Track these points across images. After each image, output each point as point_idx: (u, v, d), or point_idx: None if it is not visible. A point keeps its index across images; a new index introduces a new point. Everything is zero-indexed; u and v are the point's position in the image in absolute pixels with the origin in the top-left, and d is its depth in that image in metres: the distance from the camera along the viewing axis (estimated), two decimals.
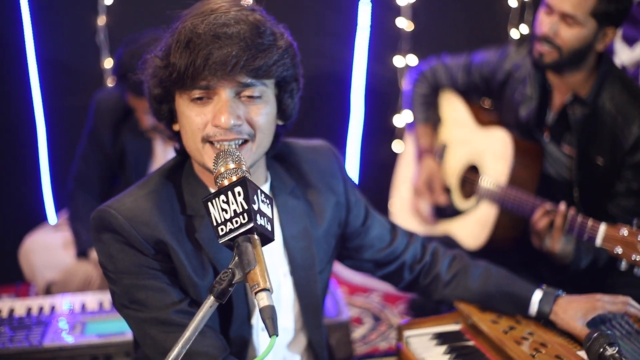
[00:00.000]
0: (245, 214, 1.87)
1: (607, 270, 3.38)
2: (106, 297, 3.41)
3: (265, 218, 1.91)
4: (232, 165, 1.97)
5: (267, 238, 1.91)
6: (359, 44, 4.66)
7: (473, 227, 3.81)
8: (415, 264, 2.68)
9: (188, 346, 1.83)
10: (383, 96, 4.98)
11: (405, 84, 4.26)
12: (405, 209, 4.28)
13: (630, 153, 3.38)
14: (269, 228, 1.92)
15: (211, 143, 2.13)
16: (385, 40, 4.73)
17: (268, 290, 1.81)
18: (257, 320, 2.34)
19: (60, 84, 4.56)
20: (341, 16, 4.64)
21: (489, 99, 4.07)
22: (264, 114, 2.15)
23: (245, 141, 2.14)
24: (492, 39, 4.60)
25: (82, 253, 3.89)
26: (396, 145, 5.05)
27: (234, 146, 2.11)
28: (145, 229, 2.14)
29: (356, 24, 4.63)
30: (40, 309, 3.33)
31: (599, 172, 3.49)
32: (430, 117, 4.13)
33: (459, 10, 4.86)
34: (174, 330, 2.13)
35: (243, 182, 1.90)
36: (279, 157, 2.44)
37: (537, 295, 2.53)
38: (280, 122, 2.28)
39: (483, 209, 3.80)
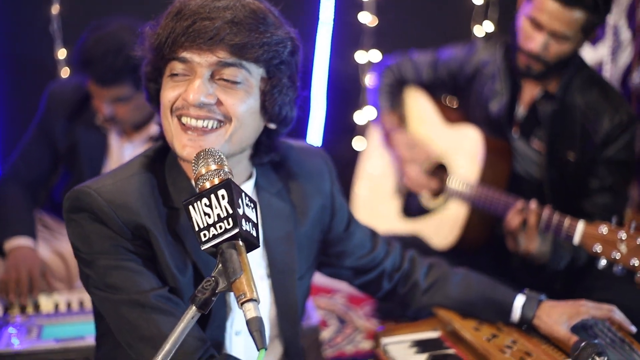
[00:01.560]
0: (230, 219, 1.77)
1: (582, 273, 3.36)
2: (62, 299, 3.26)
3: (250, 223, 1.82)
4: (213, 167, 1.86)
5: (252, 244, 1.82)
6: (321, 39, 4.58)
7: (442, 226, 3.76)
8: (394, 272, 2.61)
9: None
10: (344, 92, 4.92)
11: (369, 81, 4.20)
12: (366, 206, 4.21)
13: (601, 148, 3.40)
14: (254, 234, 1.82)
15: (180, 119, 2.05)
16: (347, 36, 4.67)
17: (255, 300, 1.71)
18: (231, 324, 2.24)
19: (12, 74, 4.41)
20: (302, 10, 4.56)
21: (454, 96, 4.03)
22: (241, 101, 2.05)
23: (220, 126, 2.06)
24: (455, 35, 4.57)
25: None
26: (357, 142, 4.98)
27: (200, 125, 2.04)
28: (125, 213, 2.04)
29: (318, 19, 4.54)
30: None
31: (570, 168, 3.50)
32: (396, 106, 4.07)
33: (423, 6, 4.82)
34: (154, 315, 2.01)
35: (227, 184, 1.80)
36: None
37: (520, 300, 2.48)
38: (271, 125, 2.18)
39: (452, 208, 3.74)
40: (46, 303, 3.25)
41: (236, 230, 1.76)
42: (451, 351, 2.47)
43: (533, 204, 3.15)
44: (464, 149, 3.77)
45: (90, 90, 3.50)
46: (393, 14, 4.71)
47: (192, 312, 1.75)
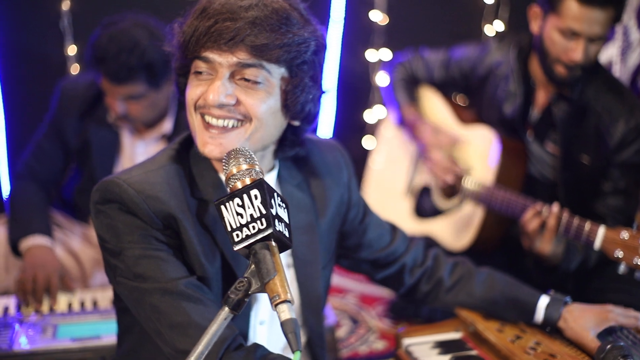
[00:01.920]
0: (263, 219, 1.75)
1: (593, 274, 3.35)
2: (76, 298, 3.24)
3: (283, 223, 1.80)
4: (244, 166, 1.84)
5: (284, 245, 1.80)
6: (332, 37, 4.56)
7: (457, 227, 3.74)
8: (416, 267, 2.59)
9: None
10: (355, 91, 4.91)
11: (380, 80, 4.18)
12: (376, 206, 4.19)
13: (616, 151, 3.39)
14: (287, 234, 1.81)
15: (202, 117, 2.07)
16: (358, 34, 4.65)
17: (290, 302, 1.69)
18: (255, 314, 2.24)
19: (22, 71, 4.37)
20: (313, 8, 4.53)
21: (466, 96, 4.01)
22: (261, 101, 2.05)
23: (240, 125, 2.06)
24: (466, 35, 4.57)
25: (13, 246, 3.64)
26: (367, 141, 4.96)
27: (221, 124, 2.05)
28: (155, 203, 2.04)
29: (329, 17, 4.53)
30: (5, 310, 3.13)
31: (584, 171, 3.49)
32: (415, 98, 4.06)
33: (433, 5, 4.80)
34: (184, 302, 2.01)
35: (260, 184, 1.78)
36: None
37: (544, 301, 2.46)
38: (295, 122, 2.17)
39: (467, 210, 3.73)
40: (60, 302, 3.22)
41: (270, 231, 1.75)
42: (474, 352, 2.45)
43: (555, 207, 3.12)
44: (479, 150, 3.76)
45: (103, 88, 3.47)
46: (404, 13, 4.70)
47: (224, 314, 1.73)
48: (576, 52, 3.35)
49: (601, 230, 2.89)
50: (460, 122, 3.92)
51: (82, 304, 3.21)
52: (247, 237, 1.76)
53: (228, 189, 1.84)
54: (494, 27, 4.71)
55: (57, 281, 3.27)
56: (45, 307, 3.17)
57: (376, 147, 4.38)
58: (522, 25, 4.24)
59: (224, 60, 2.00)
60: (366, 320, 4.03)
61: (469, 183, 3.71)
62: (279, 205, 1.81)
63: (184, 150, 2.20)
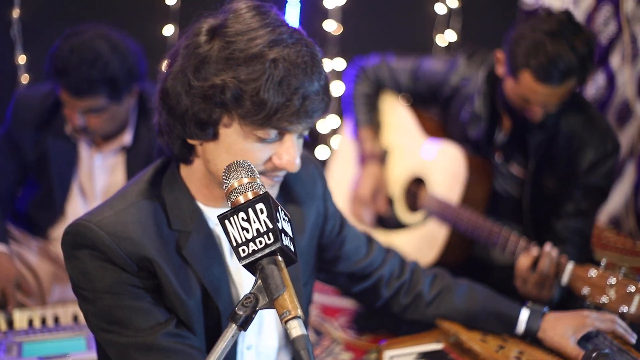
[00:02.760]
0: (270, 234, 1.72)
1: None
2: (36, 315, 3.14)
3: (288, 238, 1.78)
4: (246, 180, 1.80)
5: (290, 259, 1.77)
6: None
7: (421, 243, 3.73)
8: (393, 280, 2.59)
9: None
10: None
11: (335, 90, 4.16)
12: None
13: (582, 176, 3.39)
14: (292, 248, 1.78)
15: (264, 174, 2.02)
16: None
17: (300, 317, 1.67)
18: (242, 339, 2.20)
19: None
20: None
21: (433, 108, 3.99)
22: (301, 150, 2.08)
23: None
24: (419, 44, 4.59)
25: None
26: (320, 151, 4.95)
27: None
28: (128, 245, 1.97)
29: None
30: None
31: (550, 194, 3.49)
32: (374, 119, 4.03)
33: (387, 15, 4.81)
34: (162, 355, 1.97)
35: (266, 198, 1.75)
36: None
37: (524, 313, 2.48)
38: None
39: (432, 227, 3.72)
40: (20, 319, 3.14)
41: (277, 246, 1.72)
42: None
43: (548, 247, 2.96)
44: (445, 167, 3.73)
45: (63, 100, 3.39)
46: (357, 23, 4.71)
47: (232, 331, 1.70)
48: (533, 114, 3.32)
49: (569, 266, 2.86)
50: (425, 134, 3.90)
51: (44, 321, 3.13)
52: (254, 252, 1.73)
53: (229, 204, 1.80)
54: (446, 38, 4.76)
55: (13, 289, 3.20)
56: (3, 325, 3.09)
57: (337, 155, 4.35)
58: (474, 36, 4.32)
59: (300, 129, 1.97)
60: (330, 332, 4.01)
61: (432, 200, 3.70)
62: (283, 219, 1.79)
63: (154, 182, 2.11)
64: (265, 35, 1.89)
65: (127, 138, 3.55)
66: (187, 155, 2.08)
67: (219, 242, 2.13)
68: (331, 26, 4.57)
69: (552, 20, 3.19)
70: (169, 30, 4.23)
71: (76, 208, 3.61)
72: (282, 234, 1.74)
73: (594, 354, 2.20)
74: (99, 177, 3.61)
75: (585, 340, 2.41)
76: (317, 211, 2.40)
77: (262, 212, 1.73)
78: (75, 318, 3.15)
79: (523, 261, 2.98)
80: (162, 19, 4.22)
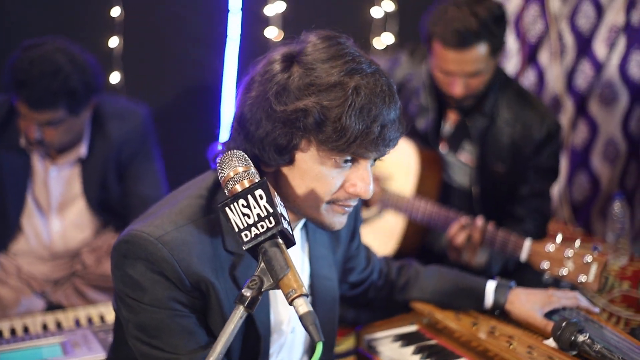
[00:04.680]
0: (271, 218, 1.82)
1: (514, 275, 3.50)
2: (5, 326, 3.13)
3: (286, 221, 1.86)
4: (241, 169, 1.90)
5: (290, 242, 1.87)
6: (229, 54, 4.60)
7: (379, 236, 3.84)
8: (379, 280, 2.71)
9: None
10: None
11: None
12: None
13: (531, 157, 3.55)
14: (291, 231, 1.86)
15: (336, 203, 2.06)
16: (254, 51, 4.69)
17: (306, 295, 1.75)
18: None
19: None
20: (210, 26, 4.57)
21: None
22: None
23: None
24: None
25: None
26: None
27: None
28: (187, 264, 1.99)
29: (226, 35, 4.56)
30: None
31: (499, 179, 3.64)
32: None
33: (325, 20, 4.83)
34: None
35: (264, 184, 1.84)
36: None
37: (491, 285, 2.61)
38: None
39: (388, 219, 3.84)
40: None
41: (279, 228, 1.81)
42: (433, 342, 2.57)
43: (480, 221, 3.26)
44: (397, 162, 3.85)
45: (20, 112, 3.38)
46: (298, 28, 4.76)
47: (240, 312, 1.78)
48: (454, 87, 3.50)
49: (527, 243, 3.04)
50: None
51: (13, 331, 3.12)
52: (257, 236, 1.82)
53: (226, 192, 1.88)
54: (383, 40, 4.87)
55: None
56: None
57: None
58: (411, 38, 4.43)
59: (376, 155, 2.05)
60: None
61: (387, 194, 3.82)
62: (280, 203, 1.87)
63: (212, 197, 2.12)
64: (344, 64, 1.96)
65: (82, 150, 3.56)
66: None
67: None
68: (272, 33, 4.64)
69: None
70: (114, 42, 4.24)
71: (32, 221, 3.60)
72: (282, 218, 1.83)
73: (564, 323, 2.31)
74: (55, 189, 3.60)
75: (551, 313, 2.55)
76: (348, 228, 2.47)
77: (261, 197, 1.82)
78: (45, 327, 3.15)
79: (458, 235, 3.25)
80: (107, 31, 4.22)
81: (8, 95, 3.42)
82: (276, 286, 1.78)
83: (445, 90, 3.56)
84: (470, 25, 3.35)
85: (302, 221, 2.25)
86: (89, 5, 4.25)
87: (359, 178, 2.03)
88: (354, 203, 2.08)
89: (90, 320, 3.21)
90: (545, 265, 2.90)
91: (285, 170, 2.04)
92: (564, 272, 2.84)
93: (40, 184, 3.59)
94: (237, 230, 1.83)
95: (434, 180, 3.79)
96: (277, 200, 1.86)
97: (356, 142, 1.95)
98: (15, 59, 3.33)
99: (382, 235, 3.83)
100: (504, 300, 2.58)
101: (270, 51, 2.07)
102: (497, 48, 3.46)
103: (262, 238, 1.81)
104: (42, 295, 3.60)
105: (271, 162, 2.03)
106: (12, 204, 3.58)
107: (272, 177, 2.08)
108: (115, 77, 4.28)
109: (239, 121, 2.03)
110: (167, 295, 1.99)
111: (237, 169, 1.89)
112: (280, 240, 1.83)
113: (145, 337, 2.02)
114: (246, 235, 1.82)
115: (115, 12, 4.20)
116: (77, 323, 3.19)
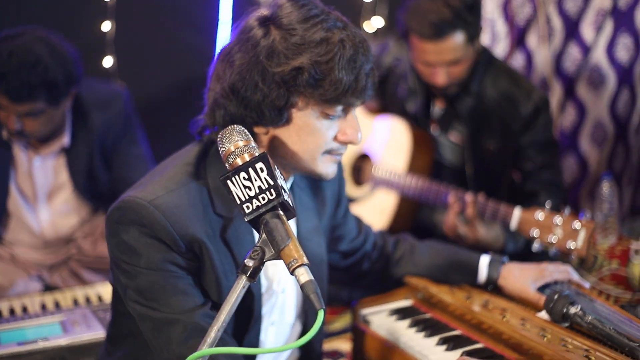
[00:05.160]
0: (272, 190, 1.86)
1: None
2: (4, 306, 3.16)
3: (286, 193, 1.90)
4: (241, 143, 1.94)
5: (290, 213, 1.91)
6: (221, 39, 4.62)
7: (371, 213, 3.89)
8: (373, 251, 2.75)
9: (220, 331, 1.80)
10: None
11: None
12: None
13: (521, 133, 3.62)
14: (291, 203, 1.91)
15: (330, 152, 2.16)
16: None
17: (307, 265, 1.80)
18: (267, 317, 2.33)
19: None
20: (202, 10, 4.59)
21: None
22: None
23: None
24: None
25: None
26: None
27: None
28: (181, 226, 2.06)
29: (218, 18, 4.58)
30: None
31: (491, 156, 3.69)
32: None
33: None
34: (195, 334, 2.04)
35: (264, 157, 1.89)
36: None
37: (485, 259, 2.67)
38: None
39: (380, 197, 3.89)
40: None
41: (280, 200, 1.86)
42: (427, 316, 2.62)
43: (468, 197, 3.31)
44: (390, 140, 3.92)
45: (1, 104, 3.33)
46: None
47: (243, 282, 1.82)
48: (436, 77, 3.57)
49: (516, 212, 3.12)
50: (367, 113, 4.07)
51: (12, 311, 3.15)
52: (258, 207, 1.86)
53: (227, 166, 1.92)
54: (373, 24, 4.91)
55: None
56: None
57: None
58: None
59: (360, 103, 2.14)
60: None
61: (379, 172, 3.87)
62: (279, 176, 1.92)
63: (200, 163, 2.19)
64: (321, 22, 2.05)
65: (65, 140, 3.55)
66: None
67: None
68: None
69: None
70: (106, 26, 4.25)
71: (20, 212, 3.61)
72: (282, 190, 1.87)
73: (556, 296, 2.36)
74: (40, 179, 3.60)
75: (543, 288, 2.60)
76: (333, 193, 2.54)
77: (262, 170, 1.87)
78: (43, 307, 3.18)
79: (449, 216, 3.33)
80: (99, 15, 4.24)
81: None
82: (278, 256, 1.83)
83: (429, 80, 3.64)
84: (445, 16, 3.43)
85: (289, 182, 2.31)
86: None
87: (350, 126, 2.16)
88: (344, 151, 2.20)
89: (88, 300, 3.24)
90: (534, 233, 2.99)
91: (281, 129, 2.13)
92: (553, 239, 2.93)
93: (24, 175, 3.58)
94: (238, 202, 1.87)
95: (426, 158, 3.86)
96: (277, 173, 1.90)
97: (348, 92, 2.07)
98: None
99: (374, 213, 3.88)
100: (496, 275, 2.63)
101: (240, 22, 2.15)
102: (473, 35, 3.54)
103: (263, 210, 1.86)
104: (39, 277, 3.61)
105: (269, 123, 2.12)
106: None
107: (267, 138, 2.16)
108: (107, 62, 4.29)
109: (232, 89, 2.09)
110: (162, 257, 2.05)
111: (237, 143, 1.93)
112: (280, 212, 1.87)
113: (143, 299, 2.08)
114: (248, 207, 1.87)
115: None
116: (76, 302, 3.22)
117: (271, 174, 1.87)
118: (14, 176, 3.58)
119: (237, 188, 1.88)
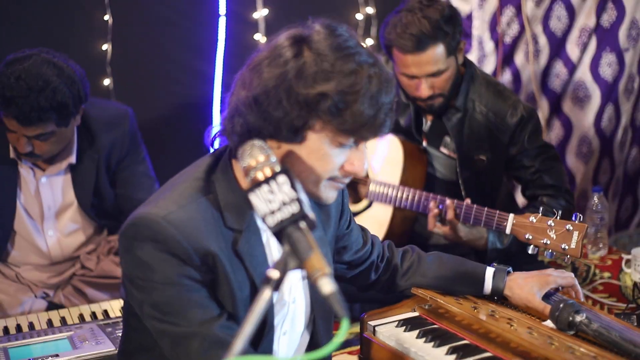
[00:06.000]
0: (295, 202, 1.91)
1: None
2: (9, 323, 3.19)
3: (308, 206, 1.95)
4: (261, 158, 2.01)
5: (312, 225, 1.95)
6: (220, 59, 4.65)
7: (369, 227, 3.92)
8: (379, 263, 2.80)
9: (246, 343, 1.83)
10: None
11: None
12: None
13: (511, 144, 3.71)
14: (312, 215, 1.96)
15: (333, 179, 2.20)
16: (241, 54, 4.75)
17: (330, 275, 1.85)
18: (279, 326, 2.37)
19: None
20: (202, 30, 4.63)
21: None
22: None
23: None
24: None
25: None
26: None
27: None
28: (194, 240, 2.10)
29: (218, 12, 4.62)
30: None
31: (483, 169, 3.77)
32: None
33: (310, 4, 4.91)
34: (217, 348, 2.08)
35: (287, 171, 1.95)
36: None
37: (490, 271, 2.72)
38: None
39: (376, 210, 3.96)
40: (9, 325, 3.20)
41: (302, 213, 1.91)
42: (435, 326, 2.66)
43: (447, 201, 3.46)
44: (383, 154, 3.99)
45: (8, 127, 3.36)
46: (284, 6, 4.88)
47: (267, 294, 1.85)
48: (419, 89, 3.65)
49: (510, 217, 3.21)
50: None
51: (19, 328, 3.17)
52: (281, 220, 1.91)
53: (248, 180, 1.98)
54: (366, 44, 4.96)
55: None
56: None
57: None
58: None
59: (373, 138, 2.18)
60: None
61: (375, 186, 3.93)
62: (301, 189, 1.97)
63: (209, 177, 2.23)
64: (353, 54, 2.08)
65: (72, 158, 3.58)
66: None
67: (265, 240, 2.28)
68: (257, 37, 4.72)
69: (411, 1, 3.61)
70: (105, 46, 4.28)
71: (26, 232, 3.63)
72: (304, 202, 1.93)
73: (561, 304, 2.42)
74: (47, 198, 3.62)
75: (546, 296, 2.66)
76: (337, 204, 2.57)
77: (284, 184, 1.93)
78: (50, 323, 3.20)
79: (430, 220, 3.48)
80: (101, 36, 4.26)
81: None
82: (301, 267, 1.87)
83: (413, 94, 3.71)
84: (424, 28, 3.53)
85: None
86: (80, 10, 4.29)
87: (358, 158, 2.18)
88: (347, 181, 2.25)
89: (94, 316, 3.26)
90: (529, 236, 3.08)
91: (293, 147, 2.16)
92: (547, 241, 3.02)
93: (30, 194, 3.60)
94: (262, 215, 1.92)
95: (419, 171, 3.94)
96: (298, 186, 1.96)
97: (365, 127, 2.09)
98: (0, 75, 3.29)
99: (372, 226, 3.93)
100: (502, 285, 2.68)
101: (274, 37, 2.18)
102: (453, 47, 3.63)
103: (286, 222, 1.91)
104: (43, 297, 3.63)
105: (283, 139, 2.14)
106: (2, 214, 3.59)
107: (279, 153, 2.18)
108: (106, 82, 4.32)
109: (255, 100, 2.11)
110: (177, 272, 2.09)
111: (258, 158, 2.00)
112: (303, 224, 1.92)
113: (159, 314, 2.11)
114: (271, 220, 1.92)
115: (108, 16, 4.23)
116: (82, 318, 3.24)
117: (293, 187, 1.93)
118: (20, 195, 3.60)
119: (260, 201, 1.93)
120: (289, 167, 2.15)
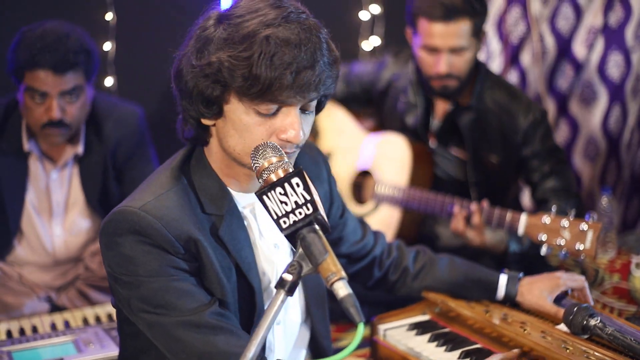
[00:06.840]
0: (309, 204, 1.87)
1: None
2: (12, 326, 3.15)
3: (322, 209, 1.91)
4: (274, 159, 1.96)
5: (325, 228, 1.91)
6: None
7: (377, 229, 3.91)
8: (384, 259, 2.75)
9: (260, 346, 1.80)
10: None
11: None
12: None
13: (524, 145, 3.68)
14: (326, 218, 1.92)
15: None
16: None
17: (345, 278, 1.81)
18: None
19: None
20: None
21: (368, 109, 4.21)
22: (310, 126, 2.16)
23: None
24: (345, 50, 4.72)
25: None
26: None
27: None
28: (175, 228, 2.07)
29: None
30: None
31: (494, 170, 3.74)
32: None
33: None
34: (210, 333, 2.06)
35: (301, 173, 1.90)
36: None
37: (503, 278, 2.68)
38: None
39: (384, 211, 3.92)
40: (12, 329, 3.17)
41: (316, 215, 1.87)
42: (447, 329, 2.64)
43: (473, 206, 3.39)
44: (390, 156, 3.95)
45: (36, 94, 3.32)
46: None
47: (281, 296, 1.82)
48: (439, 64, 3.63)
49: (523, 217, 3.16)
50: (364, 131, 4.11)
51: (22, 331, 3.14)
52: (295, 222, 1.87)
53: (261, 181, 1.94)
54: (371, 43, 4.95)
55: None
56: None
57: None
58: (397, 39, 4.52)
59: (299, 101, 2.06)
60: None
61: (382, 188, 3.90)
62: (315, 191, 1.93)
63: (184, 166, 2.21)
64: (262, 15, 2.00)
65: (79, 148, 3.55)
66: (204, 136, 2.18)
67: (247, 224, 2.24)
68: None
69: None
70: (107, 46, 4.25)
71: (34, 228, 3.58)
72: (318, 205, 1.89)
73: (575, 308, 2.39)
74: (57, 193, 3.59)
75: (558, 299, 2.63)
76: (324, 193, 2.54)
77: (298, 185, 1.89)
78: (53, 326, 3.17)
79: (457, 224, 3.42)
80: (103, 35, 4.24)
81: (17, 83, 3.38)
82: (315, 270, 1.83)
83: (429, 71, 3.68)
84: (455, 0, 3.54)
85: None
86: (82, 9, 4.26)
87: (288, 124, 2.06)
88: (290, 150, 2.11)
89: (98, 319, 3.23)
90: (542, 237, 3.03)
91: (220, 123, 2.11)
92: (561, 241, 2.97)
93: (40, 190, 3.58)
94: (275, 217, 1.88)
95: (426, 172, 3.91)
96: (312, 187, 1.91)
97: (271, 90, 1.99)
98: (22, 38, 3.34)
99: (379, 228, 3.89)
100: (515, 292, 2.66)
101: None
102: (478, 27, 3.64)
103: (300, 224, 1.87)
104: (46, 299, 3.59)
105: (204, 115, 2.10)
106: (10, 209, 3.56)
107: (214, 130, 2.15)
108: (108, 82, 4.29)
109: (174, 77, 2.14)
110: (161, 263, 2.06)
111: (270, 159, 1.96)
112: (317, 226, 1.88)
113: (149, 307, 2.08)
114: (285, 222, 1.88)
115: (108, 16, 4.21)
116: (86, 321, 3.21)
117: (307, 189, 1.88)
118: (28, 191, 3.57)
119: (273, 203, 1.89)
120: (223, 142, 2.12)
